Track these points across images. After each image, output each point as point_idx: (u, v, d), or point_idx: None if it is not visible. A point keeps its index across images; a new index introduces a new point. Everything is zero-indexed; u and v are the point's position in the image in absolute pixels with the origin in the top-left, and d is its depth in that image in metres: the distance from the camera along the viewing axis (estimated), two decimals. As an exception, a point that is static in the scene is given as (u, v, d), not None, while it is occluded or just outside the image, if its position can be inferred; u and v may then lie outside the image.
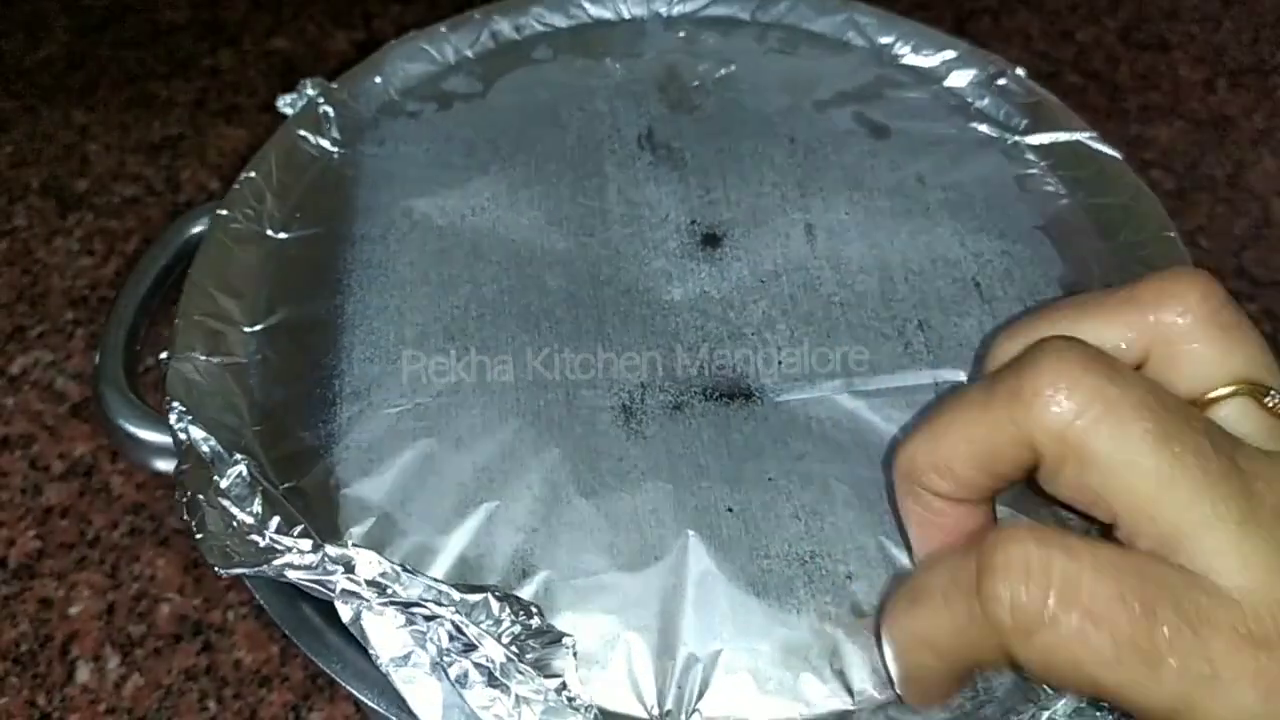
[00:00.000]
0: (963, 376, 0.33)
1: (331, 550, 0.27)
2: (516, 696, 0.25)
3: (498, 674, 0.26)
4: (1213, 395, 0.25)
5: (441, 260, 0.37)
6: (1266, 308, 0.58)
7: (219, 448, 0.30)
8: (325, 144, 0.41)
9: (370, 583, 0.27)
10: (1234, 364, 0.25)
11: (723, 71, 0.44)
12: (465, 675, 0.26)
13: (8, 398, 0.54)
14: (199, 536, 0.28)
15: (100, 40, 0.72)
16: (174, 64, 0.71)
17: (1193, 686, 0.20)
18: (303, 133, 0.41)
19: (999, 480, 0.25)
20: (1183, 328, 0.25)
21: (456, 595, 0.27)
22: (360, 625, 0.26)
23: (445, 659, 0.26)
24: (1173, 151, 0.66)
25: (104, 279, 0.59)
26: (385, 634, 0.26)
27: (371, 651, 0.26)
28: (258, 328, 0.35)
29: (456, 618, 0.26)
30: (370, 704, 0.28)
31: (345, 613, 0.27)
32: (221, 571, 0.27)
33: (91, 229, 0.61)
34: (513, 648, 0.26)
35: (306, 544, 0.27)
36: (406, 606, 0.26)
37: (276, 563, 0.27)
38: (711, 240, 0.37)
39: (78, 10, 0.75)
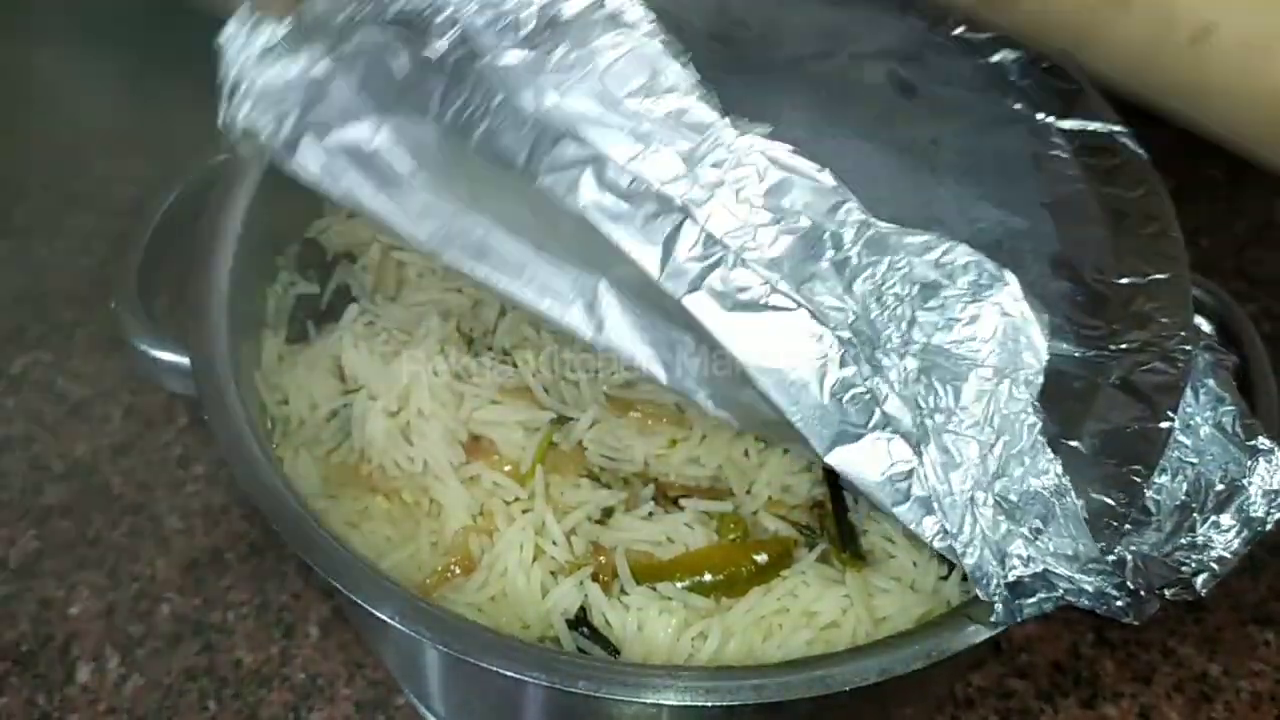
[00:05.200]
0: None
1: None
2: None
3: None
4: None
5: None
6: (1266, 308, 0.57)
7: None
8: None
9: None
10: None
11: (769, 13, 0.44)
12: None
13: (8, 398, 0.54)
14: None
15: (101, 42, 0.72)
16: (175, 64, 0.71)
17: None
18: None
19: None
20: None
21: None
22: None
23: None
24: (1173, 151, 0.66)
25: (104, 280, 0.58)
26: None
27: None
28: None
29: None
30: (349, 596, 0.32)
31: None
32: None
33: (92, 230, 0.61)
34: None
35: None
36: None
37: None
38: None
39: (78, 13, 0.74)
